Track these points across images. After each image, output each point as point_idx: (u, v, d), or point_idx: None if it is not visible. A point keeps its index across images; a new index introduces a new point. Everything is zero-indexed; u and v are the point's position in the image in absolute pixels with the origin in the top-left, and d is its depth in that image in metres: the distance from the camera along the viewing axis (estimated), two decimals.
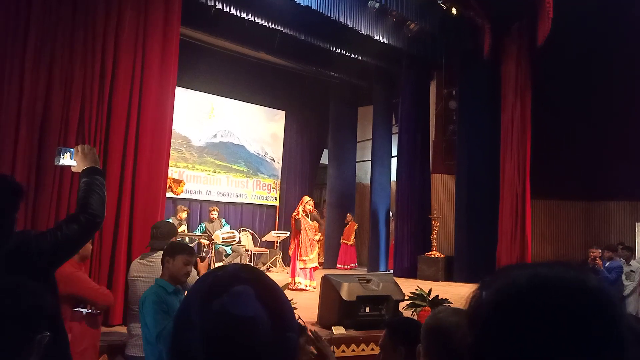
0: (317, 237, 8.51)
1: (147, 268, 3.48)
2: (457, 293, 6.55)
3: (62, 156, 2.31)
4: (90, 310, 3.30)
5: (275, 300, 0.85)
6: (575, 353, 0.59)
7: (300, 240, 8.32)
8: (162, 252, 3.45)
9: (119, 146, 5.46)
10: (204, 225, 10.09)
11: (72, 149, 2.31)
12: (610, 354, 0.60)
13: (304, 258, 8.22)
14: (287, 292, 5.43)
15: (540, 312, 0.61)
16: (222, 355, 0.78)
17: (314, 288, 7.96)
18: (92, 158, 2.26)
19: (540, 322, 0.60)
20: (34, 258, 1.89)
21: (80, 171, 2.24)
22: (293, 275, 8.28)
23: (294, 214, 8.56)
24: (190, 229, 10.38)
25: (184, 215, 9.78)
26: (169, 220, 9.33)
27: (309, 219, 8.48)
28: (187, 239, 9.31)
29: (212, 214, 10.15)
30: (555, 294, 0.62)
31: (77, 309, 3.23)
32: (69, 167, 2.34)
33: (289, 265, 11.38)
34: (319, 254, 12.94)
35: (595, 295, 0.63)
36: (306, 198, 8.73)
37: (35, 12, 5.06)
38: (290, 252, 8.64)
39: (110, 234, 5.11)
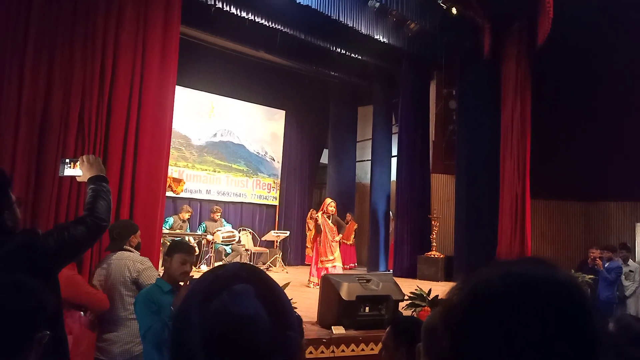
0: (337, 239, 8.61)
1: (103, 272, 3.42)
2: None
3: (66, 167, 2.31)
4: (87, 315, 3.30)
5: (275, 299, 0.85)
6: (550, 349, 0.59)
7: (319, 242, 8.48)
8: (118, 253, 3.45)
9: (119, 145, 5.47)
10: (204, 225, 10.09)
11: (76, 159, 2.32)
12: (585, 347, 0.61)
13: (323, 259, 8.33)
14: (287, 291, 5.45)
15: (513, 312, 0.61)
16: (222, 354, 0.77)
17: None
18: (97, 167, 2.27)
19: (514, 321, 0.61)
20: (39, 257, 1.88)
21: (85, 180, 2.25)
22: (312, 274, 8.45)
23: (315, 216, 8.73)
24: (191, 228, 10.38)
25: (186, 215, 9.78)
26: (168, 218, 9.37)
27: (330, 221, 8.60)
28: (187, 238, 9.33)
29: (215, 215, 10.17)
30: (527, 292, 0.62)
31: (74, 309, 3.23)
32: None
33: (288, 265, 11.45)
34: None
35: (566, 291, 0.63)
36: (328, 200, 8.98)
37: (35, 12, 5.07)
38: (310, 254, 8.73)
39: None
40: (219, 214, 10.23)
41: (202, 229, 10.03)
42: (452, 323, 0.66)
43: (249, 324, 0.79)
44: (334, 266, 8.36)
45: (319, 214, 8.64)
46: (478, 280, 0.66)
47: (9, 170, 4.64)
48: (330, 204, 8.72)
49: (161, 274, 3.24)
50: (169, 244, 8.29)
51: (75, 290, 3.12)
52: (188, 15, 7.26)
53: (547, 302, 0.61)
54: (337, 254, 8.51)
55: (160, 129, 5.86)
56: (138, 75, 5.65)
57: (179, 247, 3.07)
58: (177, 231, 9.53)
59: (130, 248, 3.49)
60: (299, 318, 2.93)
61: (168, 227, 9.26)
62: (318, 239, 8.51)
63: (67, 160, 2.33)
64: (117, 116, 5.48)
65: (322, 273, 8.28)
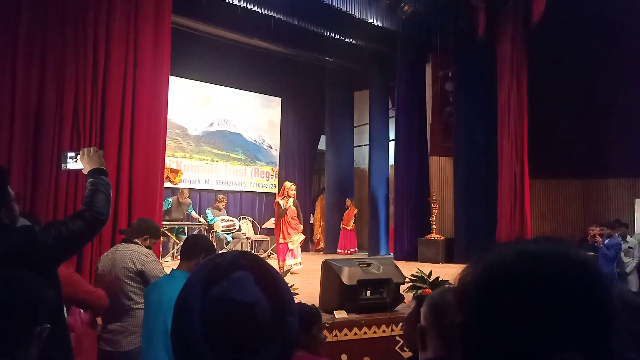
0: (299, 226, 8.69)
1: (108, 262, 3.42)
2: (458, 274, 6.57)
3: (67, 160, 2.30)
4: (86, 313, 3.31)
5: (274, 286, 0.85)
6: (564, 328, 0.59)
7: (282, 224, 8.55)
8: (125, 245, 3.45)
9: (115, 138, 5.45)
10: (209, 211, 10.05)
11: (77, 152, 2.30)
12: (600, 326, 0.60)
13: (285, 240, 8.45)
14: (288, 278, 5.48)
15: (527, 289, 0.60)
16: (223, 340, 0.78)
17: (300, 264, 8.48)
18: (97, 160, 2.26)
19: (528, 298, 0.60)
20: (38, 253, 1.87)
21: (86, 173, 2.24)
22: (284, 259, 8.43)
23: (277, 201, 8.80)
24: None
25: (182, 199, 9.75)
26: (167, 199, 9.36)
27: (290, 204, 8.64)
28: (185, 227, 9.35)
29: (220, 204, 10.17)
30: (541, 270, 0.61)
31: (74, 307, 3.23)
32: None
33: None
34: (319, 240, 13.09)
35: (582, 270, 0.63)
36: (288, 184, 8.91)
37: (25, 6, 5.02)
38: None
39: (110, 226, 5.11)
40: (224, 203, 10.21)
41: (208, 215, 9.99)
42: (465, 300, 0.65)
43: (248, 311, 0.79)
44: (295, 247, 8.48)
45: (279, 199, 8.66)
46: (492, 258, 0.65)
47: (6, 167, 4.62)
48: (290, 187, 8.71)
49: (167, 266, 3.23)
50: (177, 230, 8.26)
51: (75, 289, 3.10)
52: (180, 4, 7.19)
53: (562, 279, 0.61)
54: (296, 236, 8.52)
55: (156, 120, 5.84)
56: (131, 67, 5.61)
57: (210, 250, 3.00)
58: (176, 222, 9.52)
59: (139, 242, 3.49)
60: (318, 315, 2.84)
61: (166, 208, 9.28)
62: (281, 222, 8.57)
63: (70, 154, 2.32)
64: (112, 109, 5.45)
65: (287, 253, 8.37)
